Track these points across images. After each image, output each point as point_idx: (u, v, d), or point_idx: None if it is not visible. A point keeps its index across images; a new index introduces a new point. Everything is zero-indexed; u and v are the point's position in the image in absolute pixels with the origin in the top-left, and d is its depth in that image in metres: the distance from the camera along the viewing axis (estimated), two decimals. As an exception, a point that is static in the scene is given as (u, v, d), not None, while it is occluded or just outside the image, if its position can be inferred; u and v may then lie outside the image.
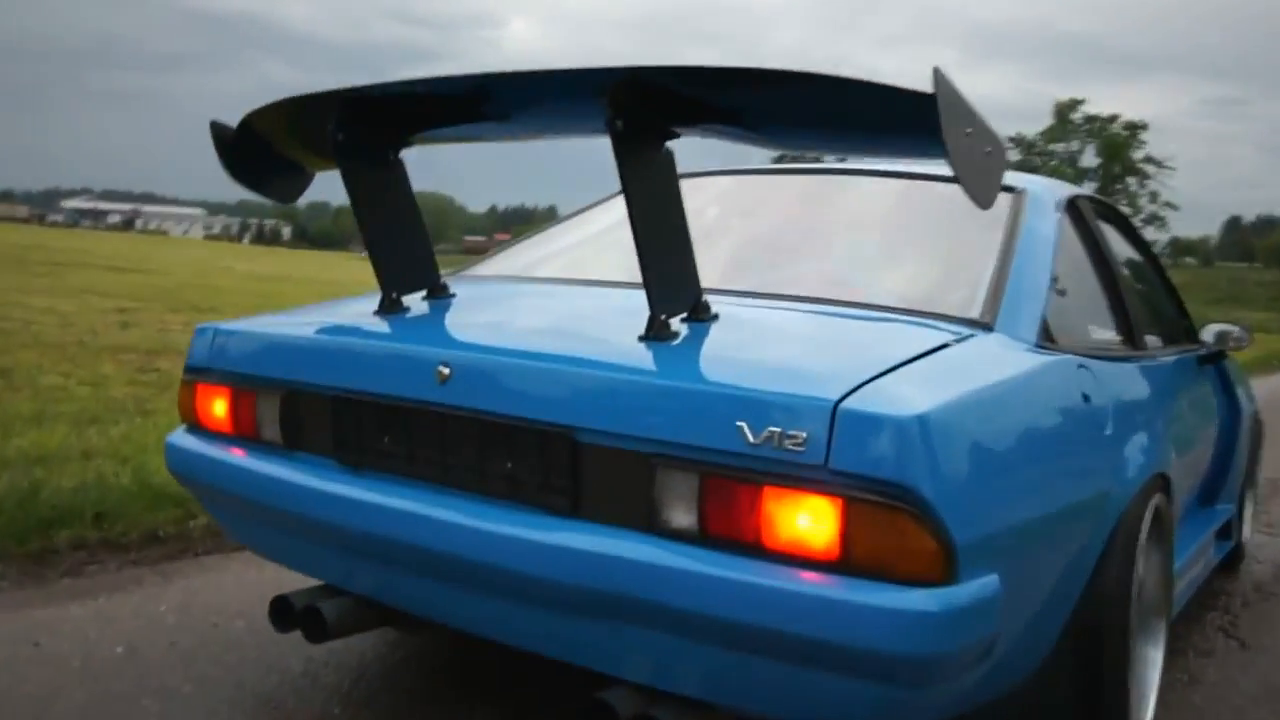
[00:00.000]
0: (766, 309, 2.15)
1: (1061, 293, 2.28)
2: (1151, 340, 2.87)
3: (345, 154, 2.14)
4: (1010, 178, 2.36)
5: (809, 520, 1.54)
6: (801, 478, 1.54)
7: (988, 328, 2.00)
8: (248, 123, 2.17)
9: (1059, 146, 48.79)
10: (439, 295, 2.33)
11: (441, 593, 1.95)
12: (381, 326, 2.18)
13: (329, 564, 2.18)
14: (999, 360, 1.93)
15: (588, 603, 1.68)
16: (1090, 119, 48.46)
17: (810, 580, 1.52)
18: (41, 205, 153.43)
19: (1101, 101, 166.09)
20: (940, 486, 1.51)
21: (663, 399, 1.67)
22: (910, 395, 1.59)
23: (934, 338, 1.89)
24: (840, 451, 1.51)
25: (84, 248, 30.09)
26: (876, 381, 1.61)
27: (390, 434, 1.97)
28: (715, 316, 1.96)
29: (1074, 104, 48.89)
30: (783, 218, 2.83)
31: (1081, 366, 2.10)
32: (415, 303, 2.28)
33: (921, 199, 2.64)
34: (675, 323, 1.90)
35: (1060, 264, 2.34)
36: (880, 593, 1.48)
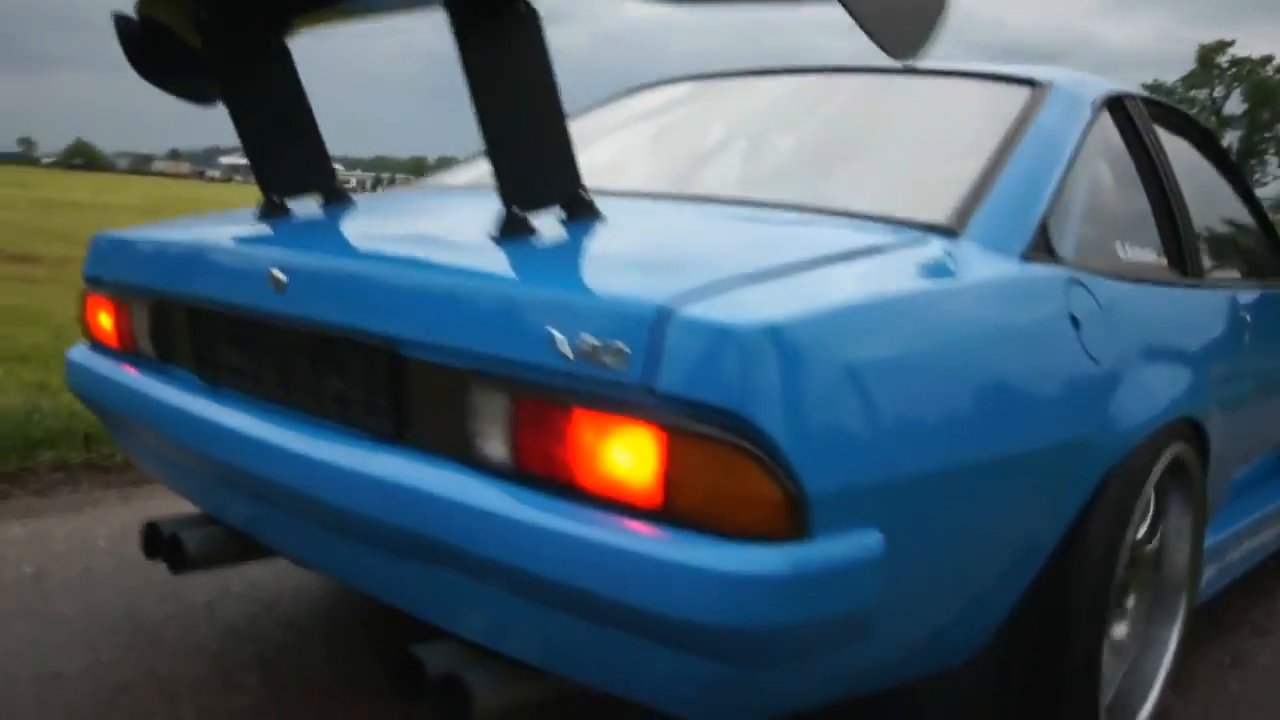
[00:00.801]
0: (675, 210, 1.86)
1: (1079, 204, 1.90)
2: (1219, 270, 2.45)
3: (213, 37, 1.90)
4: (1041, 71, 2.05)
5: (628, 456, 1.24)
6: (619, 401, 1.23)
7: (951, 233, 1.63)
8: (147, 13, 1.96)
9: (1200, 93, 46.03)
10: (335, 202, 2.09)
11: (293, 527, 1.73)
12: (246, 231, 1.95)
13: (203, 491, 1.99)
14: (939, 269, 1.55)
15: (404, 544, 1.43)
16: (1238, 62, 45.75)
17: (626, 530, 1.22)
18: (202, 162, 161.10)
19: (1254, 44, 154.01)
20: (790, 418, 1.19)
21: (480, 303, 1.38)
22: (770, 303, 1.26)
23: (860, 241, 1.57)
24: (668, 371, 1.19)
25: (230, 199, 31.29)
26: (736, 288, 1.29)
27: (238, 348, 1.76)
28: (599, 216, 1.66)
29: (1221, 46, 46.24)
30: (759, 119, 2.51)
31: (1076, 284, 1.69)
32: (305, 208, 2.07)
33: (924, 99, 2.25)
34: (552, 223, 1.63)
35: (1085, 171, 1.94)
36: (702, 549, 1.18)
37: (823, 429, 1.23)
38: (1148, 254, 2.14)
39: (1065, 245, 1.76)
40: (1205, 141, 2.82)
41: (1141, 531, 1.87)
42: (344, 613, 2.42)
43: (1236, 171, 3.06)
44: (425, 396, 1.46)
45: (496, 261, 1.53)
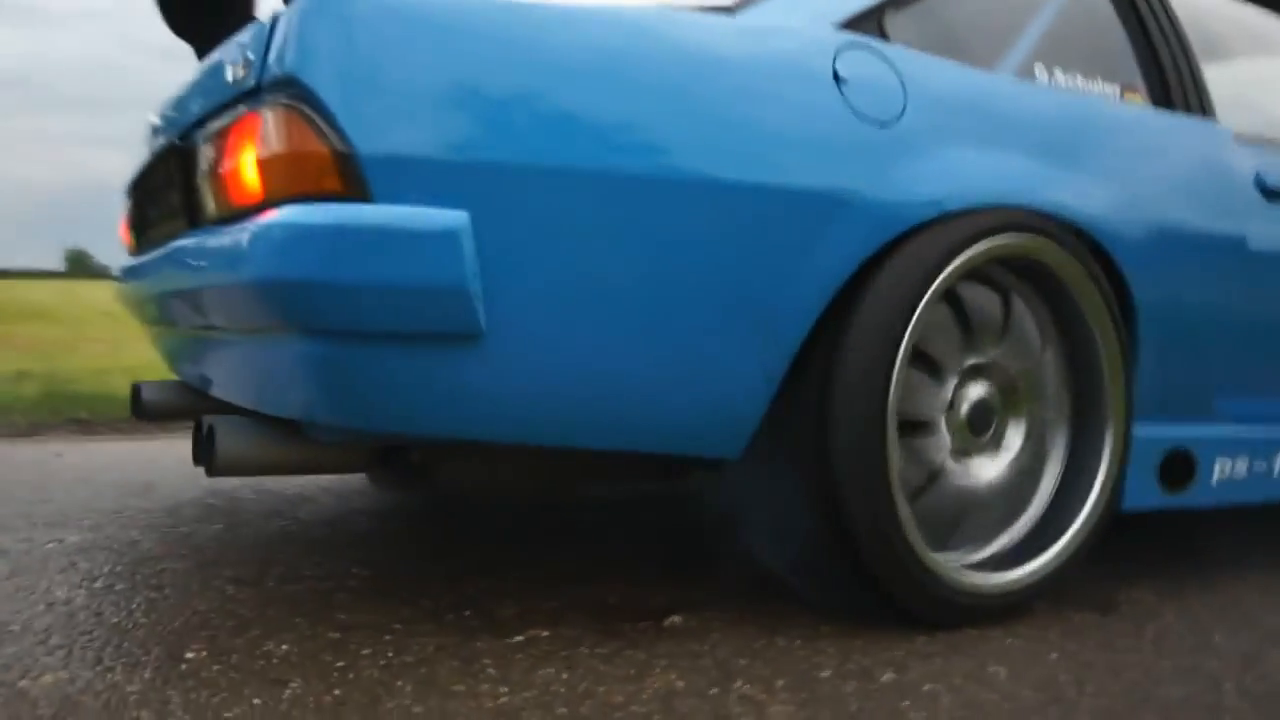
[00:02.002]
0: None
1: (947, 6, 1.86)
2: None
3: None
4: None
5: (247, 158, 1.35)
6: (246, 108, 1.37)
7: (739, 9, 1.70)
8: None
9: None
10: None
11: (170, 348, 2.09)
12: None
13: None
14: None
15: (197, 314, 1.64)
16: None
17: (243, 224, 1.33)
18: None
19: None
20: (339, 80, 1.26)
21: (197, 83, 1.67)
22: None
23: None
24: (271, 64, 1.32)
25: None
26: None
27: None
28: None
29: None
30: None
31: (864, 50, 1.64)
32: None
33: None
34: None
35: None
36: (274, 213, 1.28)
37: (381, 94, 1.28)
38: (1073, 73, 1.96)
39: (903, 31, 1.74)
40: None
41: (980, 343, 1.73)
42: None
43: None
44: (193, 180, 1.61)
45: None
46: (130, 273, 2.12)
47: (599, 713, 1.26)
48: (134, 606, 1.65)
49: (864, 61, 1.63)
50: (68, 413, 4.23)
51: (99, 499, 2.57)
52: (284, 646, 1.47)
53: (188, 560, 1.97)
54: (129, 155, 2.33)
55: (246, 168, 1.35)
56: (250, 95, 1.38)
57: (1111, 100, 2.00)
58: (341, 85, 1.27)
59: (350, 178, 1.25)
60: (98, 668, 1.37)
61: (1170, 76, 2.08)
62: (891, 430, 1.54)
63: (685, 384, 1.48)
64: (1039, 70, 1.92)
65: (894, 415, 1.54)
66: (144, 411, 2.06)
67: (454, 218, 1.27)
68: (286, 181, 1.29)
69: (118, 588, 1.76)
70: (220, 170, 1.45)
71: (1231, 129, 2.10)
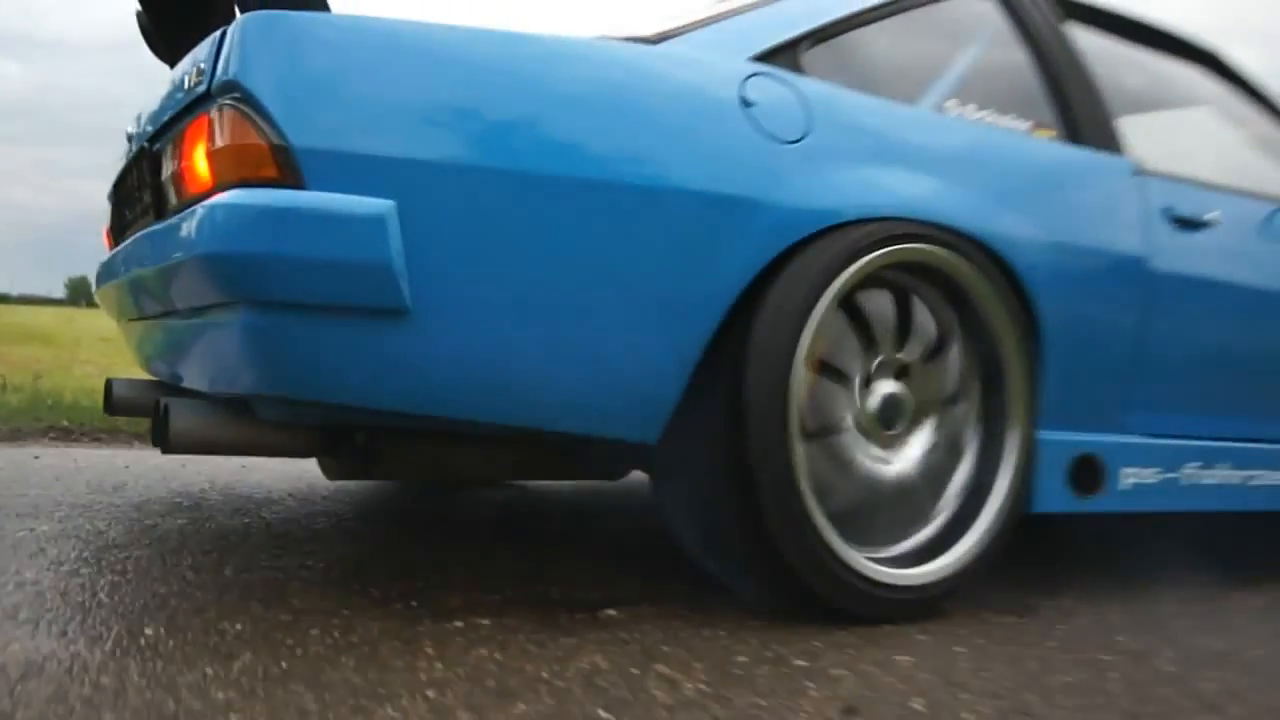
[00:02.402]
0: None
1: (864, 42, 2.03)
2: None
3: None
4: None
5: (199, 153, 1.55)
6: (199, 106, 1.58)
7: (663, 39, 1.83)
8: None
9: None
10: None
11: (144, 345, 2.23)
12: None
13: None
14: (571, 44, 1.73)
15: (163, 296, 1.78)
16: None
17: (198, 208, 1.49)
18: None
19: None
20: (276, 84, 1.45)
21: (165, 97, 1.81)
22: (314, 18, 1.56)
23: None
24: (219, 73, 1.50)
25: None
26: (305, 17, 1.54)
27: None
28: None
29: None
30: None
31: (773, 79, 1.81)
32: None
33: None
34: None
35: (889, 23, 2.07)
36: (216, 197, 1.46)
37: (313, 97, 1.46)
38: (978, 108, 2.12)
39: (817, 67, 1.91)
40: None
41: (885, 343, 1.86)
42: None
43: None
44: (160, 179, 1.81)
45: None
46: (106, 270, 2.24)
47: (524, 685, 1.37)
48: (98, 588, 1.75)
49: (770, 88, 1.80)
50: (49, 420, 4.31)
51: (71, 494, 2.66)
52: (238, 626, 1.56)
53: (151, 549, 2.06)
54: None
55: (199, 161, 1.55)
56: (203, 99, 1.57)
57: (1020, 134, 2.16)
58: (277, 89, 1.45)
59: (285, 167, 1.43)
60: (62, 639, 1.46)
61: (1079, 116, 2.23)
62: (794, 422, 1.67)
63: (601, 366, 1.62)
64: (957, 106, 2.08)
65: (797, 405, 1.68)
66: (114, 406, 2.17)
67: (381, 205, 1.44)
68: (231, 170, 1.47)
69: (83, 571, 1.85)
70: (179, 166, 1.64)
71: (1136, 164, 2.24)
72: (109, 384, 2.21)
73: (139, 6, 2.30)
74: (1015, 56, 2.26)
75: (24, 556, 1.95)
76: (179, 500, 2.66)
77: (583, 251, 1.59)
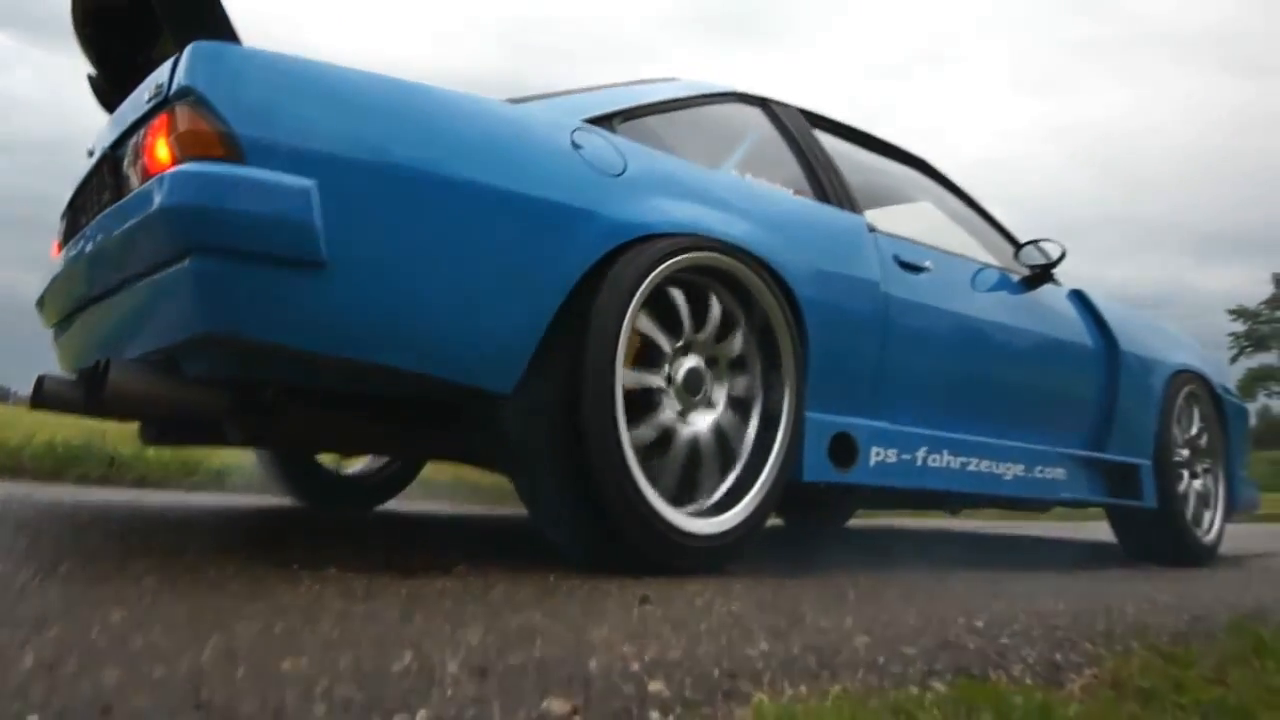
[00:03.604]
0: None
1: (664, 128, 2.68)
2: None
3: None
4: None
5: (161, 144, 1.91)
6: (158, 110, 1.95)
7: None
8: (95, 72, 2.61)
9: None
10: None
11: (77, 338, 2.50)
12: None
13: None
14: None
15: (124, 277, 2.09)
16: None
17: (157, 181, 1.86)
18: None
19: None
20: (222, 87, 1.87)
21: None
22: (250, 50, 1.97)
23: None
24: (175, 83, 1.90)
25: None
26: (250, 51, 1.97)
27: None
28: None
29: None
30: None
31: (592, 134, 2.38)
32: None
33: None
34: None
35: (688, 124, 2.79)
36: (174, 168, 1.84)
37: (251, 98, 1.90)
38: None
39: (625, 132, 2.52)
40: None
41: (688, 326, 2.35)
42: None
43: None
44: (122, 172, 2.14)
45: None
46: (53, 277, 2.50)
47: (390, 597, 1.70)
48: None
49: (594, 139, 2.39)
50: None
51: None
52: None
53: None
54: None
55: (160, 148, 1.91)
56: (161, 105, 1.95)
57: (783, 193, 2.86)
58: (223, 92, 1.89)
59: (231, 149, 1.84)
60: None
61: (826, 189, 2.98)
62: (619, 386, 2.12)
63: (471, 320, 2.05)
64: (742, 175, 2.79)
65: (620, 377, 2.13)
66: (44, 399, 2.20)
67: (306, 182, 1.87)
68: (187, 149, 1.86)
69: None
70: (143, 155, 1.97)
71: (870, 222, 2.95)
72: (40, 379, 2.21)
73: (92, 71, 2.61)
74: (778, 148, 3.00)
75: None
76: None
77: (460, 234, 2.03)
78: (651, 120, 2.66)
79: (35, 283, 2.69)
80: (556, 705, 1.17)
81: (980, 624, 1.83)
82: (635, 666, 1.32)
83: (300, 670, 1.20)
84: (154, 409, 2.09)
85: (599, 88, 2.69)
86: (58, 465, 4.50)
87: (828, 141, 3.17)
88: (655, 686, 1.26)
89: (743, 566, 2.27)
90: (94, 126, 2.50)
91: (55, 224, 2.67)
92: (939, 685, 1.38)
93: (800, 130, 3.08)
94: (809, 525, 4.71)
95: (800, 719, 1.17)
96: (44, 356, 2.71)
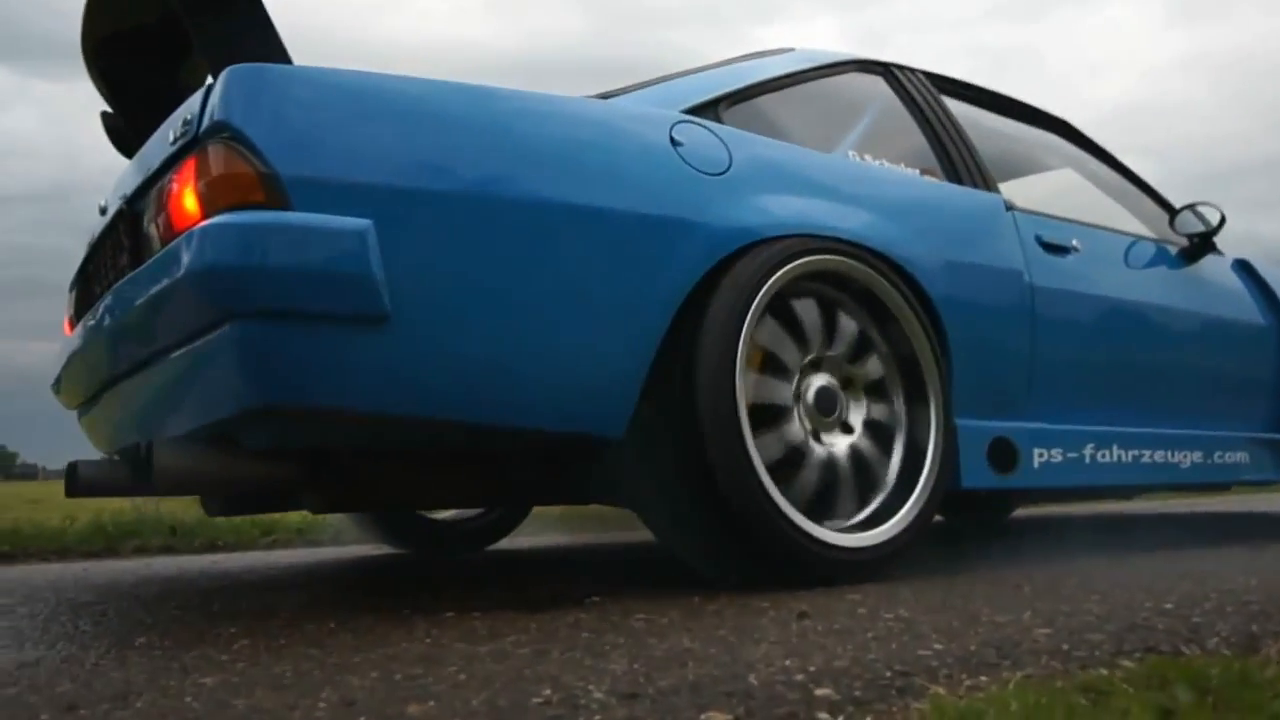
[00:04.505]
0: None
1: (773, 105, 2.43)
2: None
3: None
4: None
5: (188, 191, 1.67)
6: (185, 153, 1.72)
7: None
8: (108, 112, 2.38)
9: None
10: None
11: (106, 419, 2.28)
12: None
13: None
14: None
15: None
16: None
17: (188, 233, 1.61)
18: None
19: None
20: (262, 121, 1.63)
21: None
22: (292, 69, 1.73)
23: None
24: (206, 119, 1.67)
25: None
26: (290, 70, 1.72)
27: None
28: None
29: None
30: None
31: (694, 125, 2.13)
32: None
33: None
34: None
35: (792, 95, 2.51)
36: (211, 220, 1.59)
37: (295, 132, 1.65)
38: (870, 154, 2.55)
39: (732, 117, 2.28)
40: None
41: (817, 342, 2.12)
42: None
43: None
44: (141, 232, 1.92)
45: None
46: (69, 356, 2.28)
47: (518, 634, 1.58)
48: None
49: (695, 132, 2.13)
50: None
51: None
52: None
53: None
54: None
55: (188, 199, 1.66)
56: (190, 145, 1.72)
57: (910, 174, 2.59)
58: (264, 126, 1.64)
59: (273, 193, 1.60)
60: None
61: (957, 164, 2.69)
62: (742, 408, 1.89)
63: (565, 366, 1.81)
64: (861, 156, 2.50)
65: (744, 397, 1.90)
66: (79, 486, 1.98)
67: (360, 223, 1.63)
68: (221, 198, 1.61)
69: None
70: (167, 209, 1.73)
71: (1007, 199, 2.68)
72: (73, 465, 1.99)
73: (106, 108, 2.37)
74: (903, 119, 2.73)
75: None
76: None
77: (544, 264, 1.79)
78: (762, 101, 2.41)
79: (37, 351, 2.55)
80: (718, 718, 1.04)
81: (1169, 605, 1.67)
82: (799, 677, 1.20)
83: (429, 713, 1.10)
84: (212, 488, 1.89)
85: (707, 67, 2.47)
86: (110, 544, 4.13)
87: (957, 109, 2.87)
88: (822, 692, 1.14)
89: (905, 570, 2.09)
90: (107, 170, 2.32)
91: (52, 282, 2.48)
92: (1128, 663, 1.26)
93: (927, 99, 2.79)
94: (972, 521, 4.38)
95: (981, 706, 1.02)
96: (62, 426, 2.51)
